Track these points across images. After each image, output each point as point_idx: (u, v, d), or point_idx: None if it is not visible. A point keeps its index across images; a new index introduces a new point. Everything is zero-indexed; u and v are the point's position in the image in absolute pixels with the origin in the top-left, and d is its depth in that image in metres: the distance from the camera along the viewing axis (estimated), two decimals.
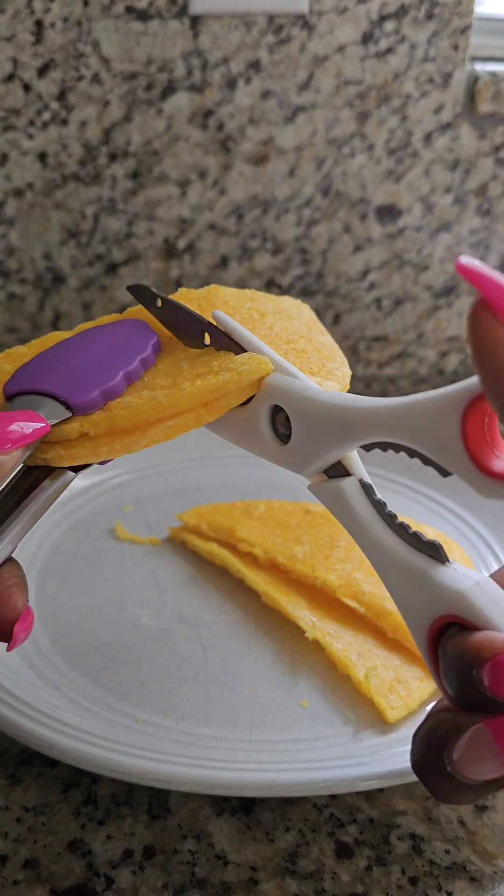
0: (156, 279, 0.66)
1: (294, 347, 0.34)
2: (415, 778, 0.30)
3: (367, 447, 0.27)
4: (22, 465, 0.28)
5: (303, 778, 0.30)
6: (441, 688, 0.24)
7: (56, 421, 0.28)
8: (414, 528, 0.26)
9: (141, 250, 0.65)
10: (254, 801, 0.32)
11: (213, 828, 0.31)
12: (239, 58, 0.59)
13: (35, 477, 0.29)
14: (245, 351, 0.30)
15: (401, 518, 0.27)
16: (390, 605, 0.38)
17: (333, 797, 0.32)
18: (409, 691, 0.35)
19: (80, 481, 0.51)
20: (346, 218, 0.66)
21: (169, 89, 0.60)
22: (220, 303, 0.37)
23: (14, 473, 0.28)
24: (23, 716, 0.32)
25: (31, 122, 0.60)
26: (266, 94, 0.61)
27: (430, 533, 0.45)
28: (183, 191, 0.63)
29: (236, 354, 0.30)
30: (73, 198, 0.63)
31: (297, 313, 0.39)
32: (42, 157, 0.61)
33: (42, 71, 0.59)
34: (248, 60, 0.60)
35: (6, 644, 0.27)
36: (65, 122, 0.60)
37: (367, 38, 0.60)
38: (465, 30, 0.60)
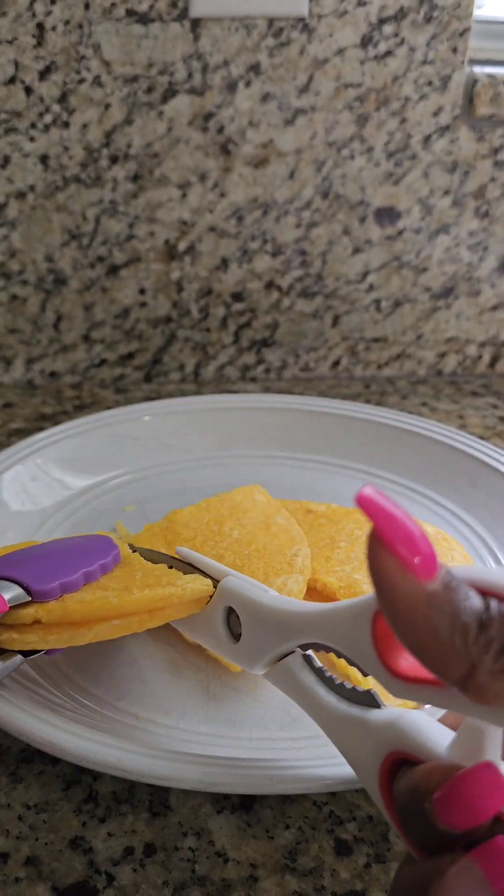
0: (156, 281, 0.66)
1: (255, 548, 0.41)
2: None
3: (304, 647, 0.30)
4: None
5: (302, 776, 0.30)
6: (403, 837, 0.23)
7: (15, 602, 0.32)
8: None
9: (142, 252, 0.65)
10: (254, 799, 0.32)
11: (214, 825, 0.31)
12: (239, 61, 0.60)
13: None
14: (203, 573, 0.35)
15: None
16: None
17: (333, 795, 0.32)
18: None
19: (80, 481, 0.52)
20: (345, 220, 0.66)
21: (169, 92, 0.60)
22: (181, 526, 0.43)
23: None
24: (24, 714, 0.32)
25: (33, 125, 0.60)
26: (266, 97, 0.61)
27: (430, 532, 0.45)
28: (183, 193, 0.64)
29: (185, 574, 0.35)
30: (75, 200, 0.63)
31: (251, 502, 0.45)
32: (43, 159, 0.61)
33: (43, 74, 0.59)
34: (248, 63, 0.60)
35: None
36: (66, 124, 0.61)
37: (366, 41, 0.60)
38: (463, 32, 0.61)
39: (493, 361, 0.74)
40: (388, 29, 0.60)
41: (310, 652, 0.30)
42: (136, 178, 0.63)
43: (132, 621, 0.33)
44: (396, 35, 0.60)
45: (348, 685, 0.28)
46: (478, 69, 0.63)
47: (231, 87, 0.61)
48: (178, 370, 0.70)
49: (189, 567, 0.36)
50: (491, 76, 0.62)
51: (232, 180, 0.64)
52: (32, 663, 0.37)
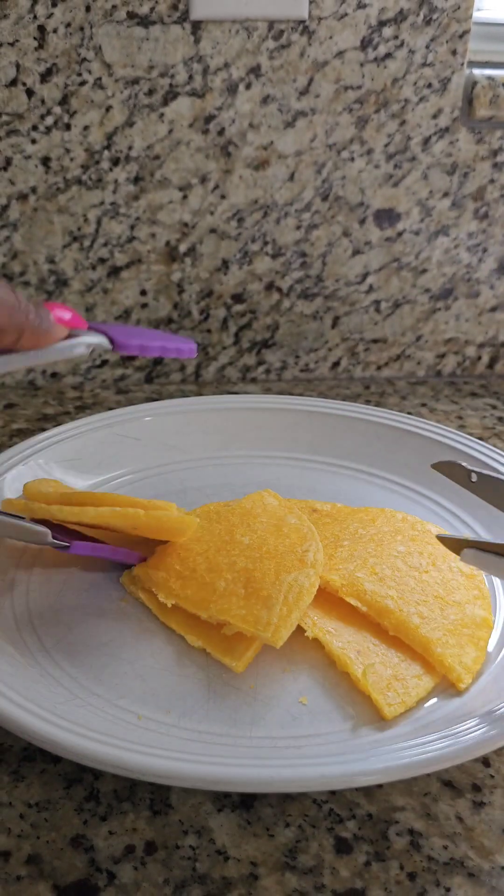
0: (157, 282, 0.67)
1: (266, 550, 0.41)
2: (413, 774, 0.30)
3: None
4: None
5: (302, 774, 0.30)
6: None
7: (100, 349, 0.38)
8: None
9: (143, 254, 0.66)
10: (254, 797, 0.32)
11: (214, 823, 0.31)
12: (239, 63, 0.60)
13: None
14: None
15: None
16: (391, 603, 0.38)
17: (333, 793, 0.33)
18: (407, 688, 0.35)
19: (82, 481, 0.52)
20: (345, 222, 0.66)
21: (170, 94, 0.61)
22: (193, 542, 0.43)
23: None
24: (26, 712, 0.32)
25: (35, 127, 0.61)
26: (266, 99, 0.61)
27: (432, 531, 0.45)
28: (184, 195, 0.64)
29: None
30: (76, 202, 0.63)
31: (262, 507, 0.45)
32: (45, 161, 0.62)
33: (45, 76, 0.59)
34: (249, 66, 0.60)
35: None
36: (67, 126, 0.61)
37: (366, 44, 0.60)
38: (463, 35, 0.61)
39: (492, 362, 0.74)
40: (387, 31, 0.60)
41: None
42: (137, 179, 0.63)
43: (128, 511, 0.38)
44: (396, 37, 0.60)
45: None
46: (477, 71, 0.64)
47: (231, 89, 0.61)
48: (178, 371, 0.71)
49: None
50: (490, 78, 0.62)
51: (232, 182, 0.64)
52: (34, 663, 0.37)
